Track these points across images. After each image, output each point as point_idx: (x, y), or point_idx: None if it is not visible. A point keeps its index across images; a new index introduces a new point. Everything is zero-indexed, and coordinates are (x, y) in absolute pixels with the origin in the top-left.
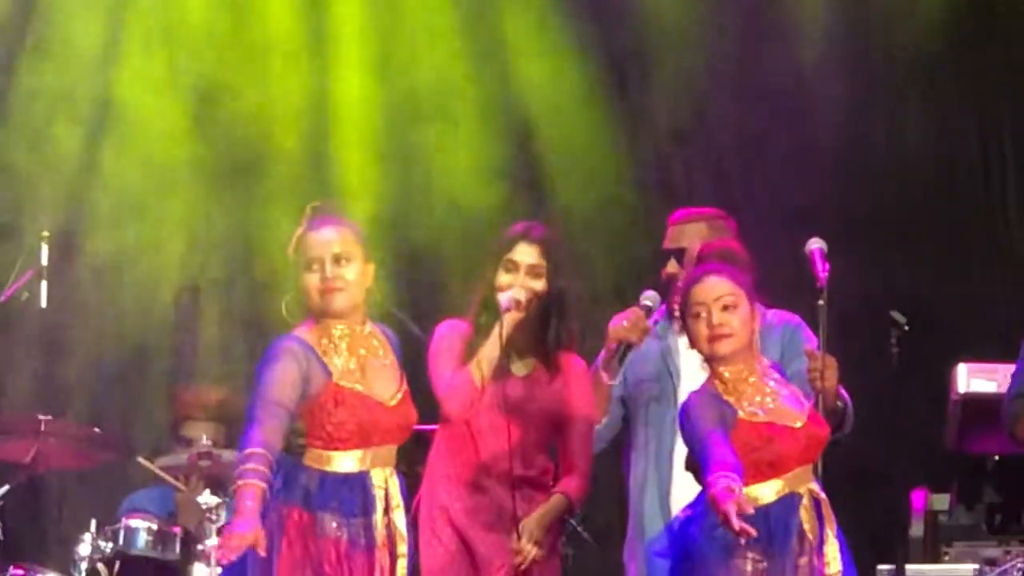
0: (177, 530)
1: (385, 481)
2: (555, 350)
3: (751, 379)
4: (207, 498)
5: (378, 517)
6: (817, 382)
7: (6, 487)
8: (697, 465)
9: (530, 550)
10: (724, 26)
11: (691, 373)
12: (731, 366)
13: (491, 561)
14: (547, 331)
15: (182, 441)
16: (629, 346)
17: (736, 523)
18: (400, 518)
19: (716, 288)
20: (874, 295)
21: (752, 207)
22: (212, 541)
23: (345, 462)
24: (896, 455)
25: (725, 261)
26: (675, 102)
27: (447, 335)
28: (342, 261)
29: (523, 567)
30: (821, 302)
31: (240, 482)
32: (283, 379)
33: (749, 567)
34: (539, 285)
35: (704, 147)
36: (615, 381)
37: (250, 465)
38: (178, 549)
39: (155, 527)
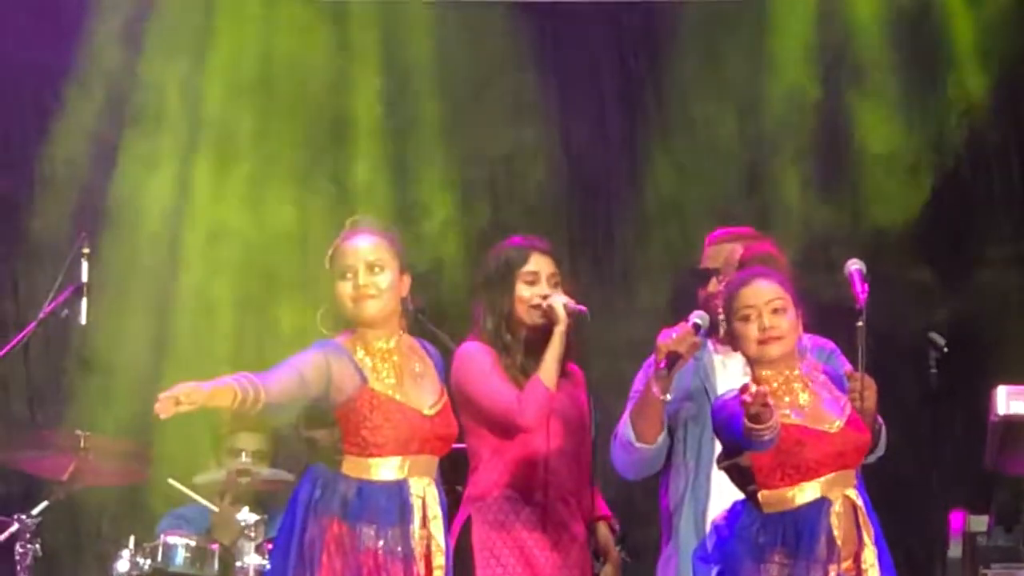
0: (215, 547)
1: (423, 491)
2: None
3: (790, 383)
4: (245, 515)
5: (415, 527)
6: (857, 403)
7: (44, 504)
8: (730, 455)
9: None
10: None
11: (726, 389)
12: (773, 369)
13: None
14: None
15: (231, 453)
16: (679, 358)
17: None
18: (438, 529)
19: (766, 291)
20: (911, 316)
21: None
22: (251, 558)
23: (383, 470)
24: (934, 477)
25: (767, 265)
26: None
27: (479, 355)
28: (375, 269)
29: None
30: (860, 323)
31: None
32: (308, 358)
33: (775, 571)
34: (560, 293)
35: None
36: (667, 396)
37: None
38: (216, 566)
39: (193, 543)
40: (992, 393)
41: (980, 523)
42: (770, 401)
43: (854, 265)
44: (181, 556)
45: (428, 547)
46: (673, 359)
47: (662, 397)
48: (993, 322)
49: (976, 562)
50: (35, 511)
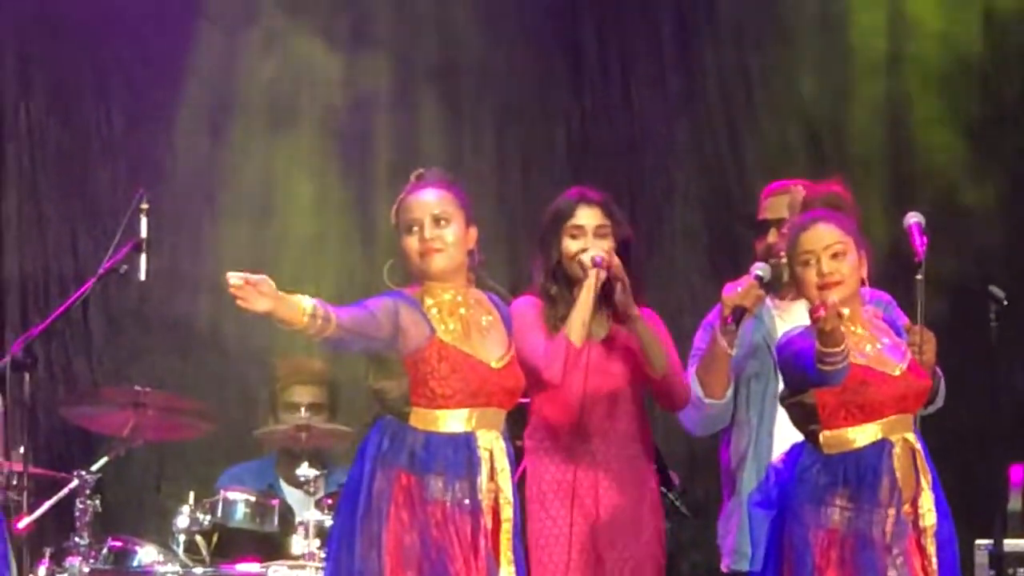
0: (275, 502)
1: (491, 444)
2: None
3: (852, 326)
4: (305, 471)
5: (483, 479)
6: (917, 356)
7: (104, 459)
8: (795, 392)
9: None
10: None
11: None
12: None
13: (611, 539)
14: (615, 287)
15: (288, 407)
16: (744, 312)
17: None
18: (506, 482)
19: (825, 236)
20: (971, 270)
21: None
22: (311, 514)
23: (451, 422)
24: (994, 430)
25: (831, 207)
26: None
27: (527, 309)
28: (441, 222)
29: None
30: (919, 276)
31: None
32: (379, 301)
33: (837, 515)
34: (607, 244)
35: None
36: (734, 351)
37: None
38: (276, 521)
39: (253, 499)
40: None
41: None
42: (844, 314)
43: (913, 218)
44: (241, 512)
45: (496, 500)
46: (739, 313)
47: (730, 351)
48: None
49: None
50: (95, 467)
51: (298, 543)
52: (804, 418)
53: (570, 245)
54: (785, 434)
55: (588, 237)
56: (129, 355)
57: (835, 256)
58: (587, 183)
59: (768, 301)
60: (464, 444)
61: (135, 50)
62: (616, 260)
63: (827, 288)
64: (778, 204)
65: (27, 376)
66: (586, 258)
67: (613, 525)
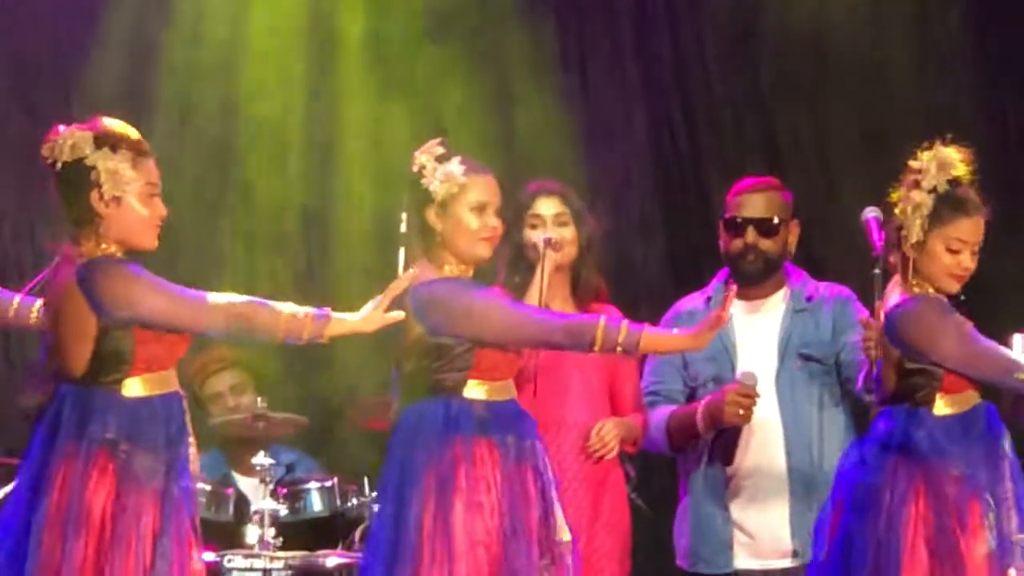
0: (230, 491)
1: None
2: (589, 296)
3: None
4: (261, 459)
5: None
6: (872, 351)
7: None
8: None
9: (609, 440)
10: None
11: (747, 347)
12: None
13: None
14: (579, 279)
15: (213, 399)
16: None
17: None
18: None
19: (980, 232)
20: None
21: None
22: (265, 503)
23: (501, 391)
24: None
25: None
26: None
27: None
28: (497, 212)
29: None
30: (877, 271)
31: None
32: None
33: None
34: (567, 233)
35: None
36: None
37: None
38: (231, 510)
39: (208, 488)
40: (1009, 340)
41: None
42: None
43: (871, 213)
44: (197, 501)
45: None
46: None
47: (705, 436)
48: (1011, 269)
49: None
50: None
51: (252, 532)
52: (919, 386)
53: (530, 234)
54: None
55: (548, 226)
56: None
57: (974, 254)
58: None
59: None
60: (516, 409)
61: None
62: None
63: (960, 280)
64: (753, 202)
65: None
66: (538, 237)
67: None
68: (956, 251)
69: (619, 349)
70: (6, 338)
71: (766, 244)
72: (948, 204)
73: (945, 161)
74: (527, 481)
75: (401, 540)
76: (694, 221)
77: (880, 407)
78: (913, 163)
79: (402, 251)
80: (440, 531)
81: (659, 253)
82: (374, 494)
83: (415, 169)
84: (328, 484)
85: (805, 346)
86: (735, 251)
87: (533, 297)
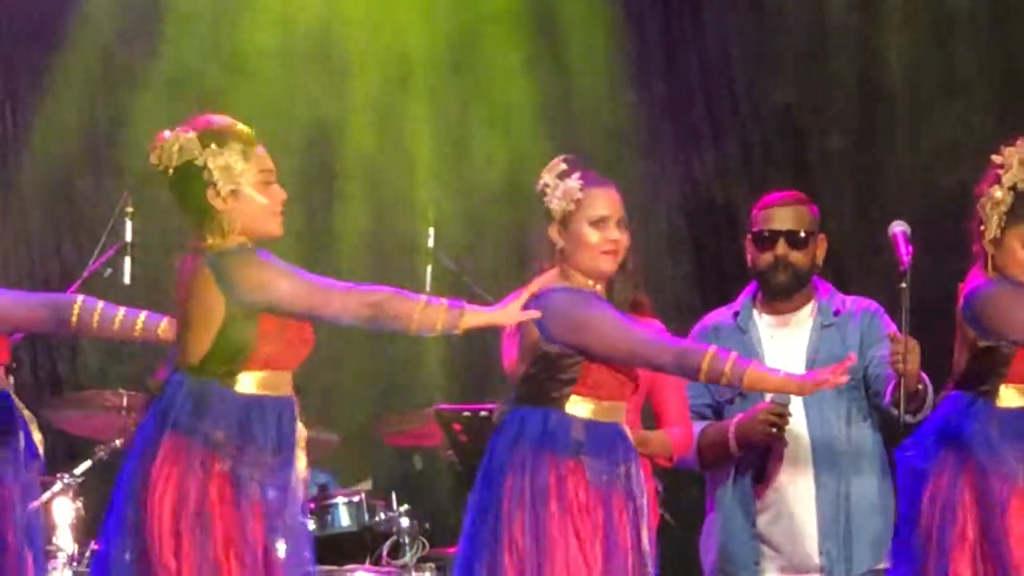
0: None
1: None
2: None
3: None
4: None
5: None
6: (900, 365)
7: (88, 463)
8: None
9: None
10: None
11: (775, 361)
12: None
13: None
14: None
15: None
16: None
17: None
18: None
19: None
20: (957, 279)
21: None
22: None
23: (608, 411)
24: None
25: None
26: None
27: None
28: (622, 226)
29: None
30: (904, 285)
31: None
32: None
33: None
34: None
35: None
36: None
37: None
38: None
39: None
40: None
41: None
42: None
43: (898, 227)
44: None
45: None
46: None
47: (738, 453)
48: None
49: None
50: (78, 470)
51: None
52: (986, 371)
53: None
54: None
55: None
56: (114, 358)
57: None
58: None
59: (755, 314)
60: (617, 431)
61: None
62: None
63: None
64: (782, 215)
65: (11, 379)
66: None
67: None
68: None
69: (724, 381)
70: (33, 351)
71: (796, 257)
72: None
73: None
74: (615, 508)
75: (488, 544)
76: (720, 236)
77: (948, 390)
78: (996, 158)
79: (429, 267)
80: (529, 548)
81: (686, 268)
82: (402, 508)
83: (539, 188)
84: (356, 499)
85: (833, 360)
86: (764, 265)
87: None
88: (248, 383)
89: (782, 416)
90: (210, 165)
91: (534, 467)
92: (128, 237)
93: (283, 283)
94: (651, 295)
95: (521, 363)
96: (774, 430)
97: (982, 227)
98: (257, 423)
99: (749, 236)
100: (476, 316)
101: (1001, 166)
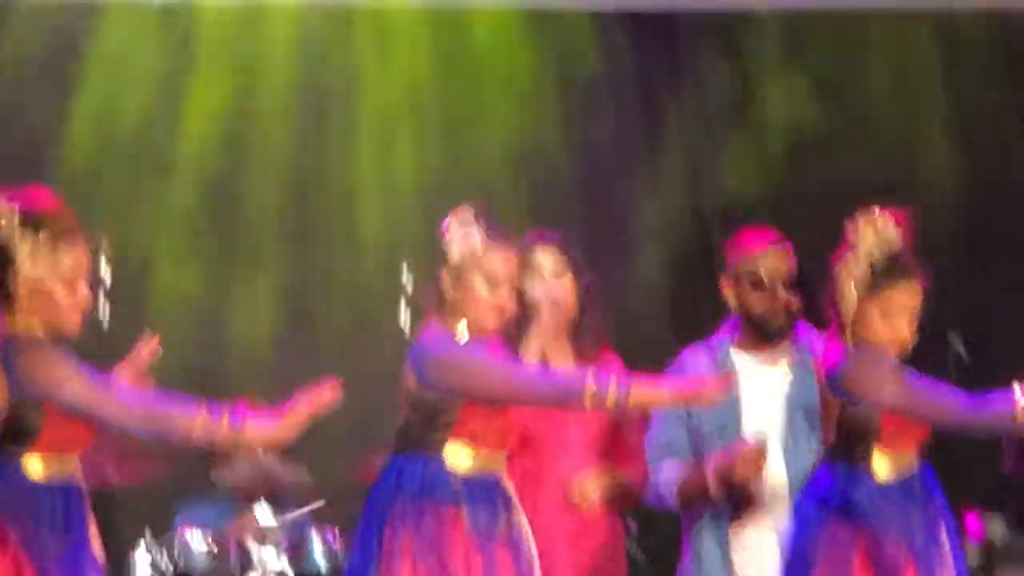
0: (233, 541)
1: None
2: (590, 347)
3: None
4: (267, 516)
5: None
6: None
7: None
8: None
9: (590, 494)
10: None
11: (753, 399)
12: None
13: None
14: (579, 329)
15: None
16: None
17: None
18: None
19: (916, 296)
20: (932, 312)
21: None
22: (268, 558)
23: (487, 459)
24: (950, 476)
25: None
26: None
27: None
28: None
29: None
30: None
31: None
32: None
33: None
34: (565, 283)
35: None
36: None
37: None
38: (233, 560)
39: (211, 538)
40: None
41: (996, 524)
42: None
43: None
44: (198, 550)
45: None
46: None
47: (717, 494)
48: (1014, 318)
49: (992, 564)
50: None
51: None
52: (857, 438)
53: (528, 286)
54: None
55: (546, 277)
56: None
57: (910, 321)
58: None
59: (732, 353)
60: (493, 482)
61: None
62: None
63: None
64: (775, 260)
65: None
66: (535, 289)
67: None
68: (892, 316)
69: (609, 405)
70: None
71: (794, 301)
72: (883, 271)
73: (880, 227)
74: (498, 557)
75: None
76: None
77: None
78: (850, 227)
79: (402, 300)
80: None
81: (660, 304)
82: None
83: (442, 229)
84: (331, 539)
85: (808, 399)
86: (761, 309)
87: (530, 351)
88: (35, 464)
89: (762, 456)
90: (18, 249)
91: (415, 517)
92: (105, 277)
93: (64, 385)
94: (621, 331)
95: (401, 411)
96: (754, 472)
97: (838, 296)
98: (45, 504)
99: (732, 277)
100: (256, 431)
101: (856, 235)
